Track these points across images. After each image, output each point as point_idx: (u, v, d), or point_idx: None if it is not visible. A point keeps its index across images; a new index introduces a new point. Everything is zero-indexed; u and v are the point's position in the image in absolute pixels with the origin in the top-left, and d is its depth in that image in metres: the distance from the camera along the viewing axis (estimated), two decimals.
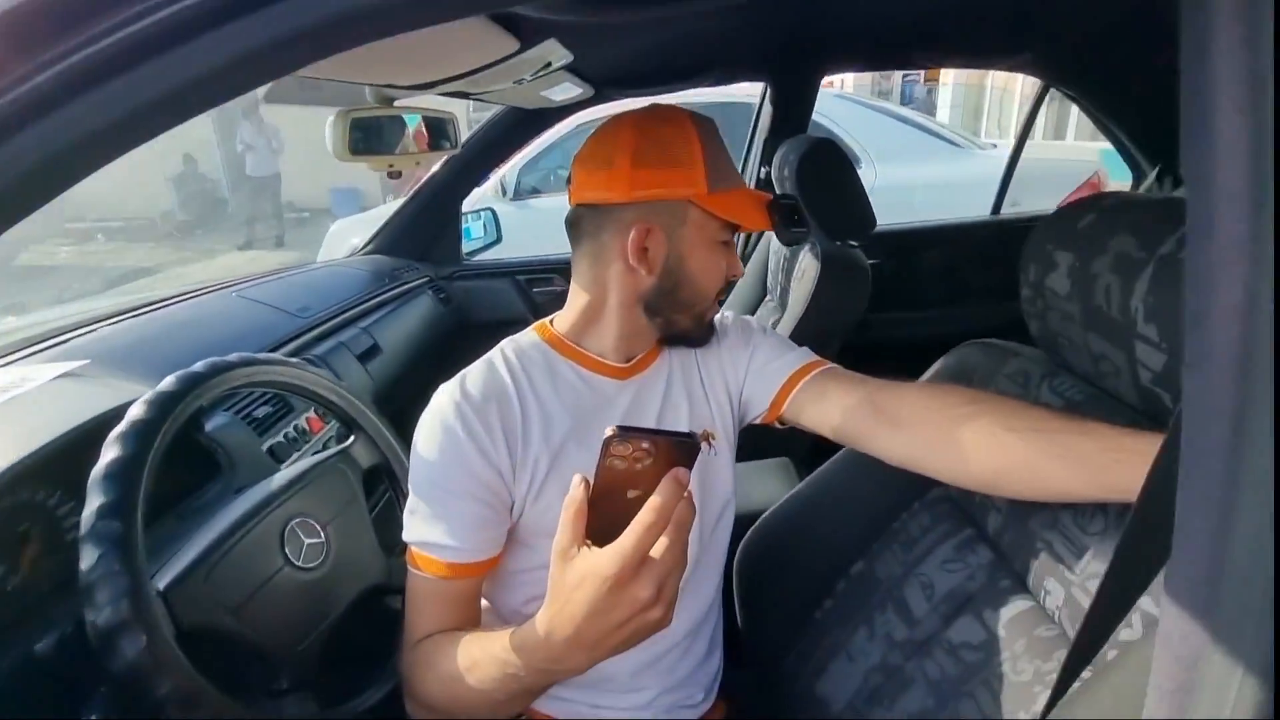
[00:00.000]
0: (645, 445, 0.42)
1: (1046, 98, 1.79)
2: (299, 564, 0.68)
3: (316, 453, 1.03)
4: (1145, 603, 0.51)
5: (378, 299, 1.51)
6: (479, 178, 1.77)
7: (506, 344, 0.74)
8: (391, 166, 0.89)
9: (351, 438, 0.84)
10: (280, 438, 1.00)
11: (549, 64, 0.83)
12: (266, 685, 0.62)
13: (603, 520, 0.44)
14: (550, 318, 0.77)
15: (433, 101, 0.96)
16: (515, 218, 2.25)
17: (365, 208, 6.70)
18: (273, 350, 1.12)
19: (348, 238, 3.74)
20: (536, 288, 1.84)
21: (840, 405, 0.71)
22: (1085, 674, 0.49)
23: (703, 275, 0.70)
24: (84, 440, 0.71)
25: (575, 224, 0.72)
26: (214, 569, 0.60)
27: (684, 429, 0.72)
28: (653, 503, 0.42)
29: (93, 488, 0.53)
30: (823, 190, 1.23)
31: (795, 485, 0.98)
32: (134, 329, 1.07)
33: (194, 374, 0.64)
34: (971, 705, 0.62)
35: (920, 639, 0.72)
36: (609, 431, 0.42)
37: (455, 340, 1.74)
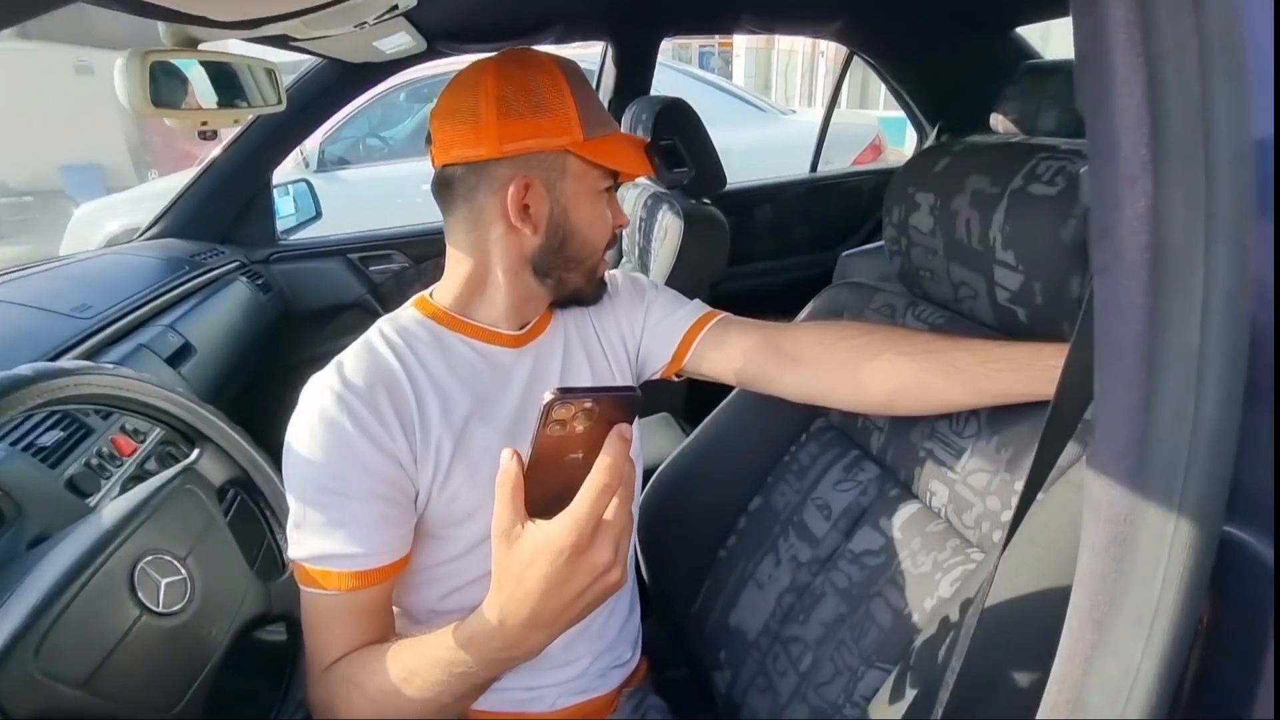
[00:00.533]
0: (588, 405, 0.41)
1: (848, 69, 1.99)
2: (159, 609, 0.56)
3: (132, 476, 0.86)
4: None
5: (179, 290, 1.26)
6: (290, 145, 1.54)
7: (384, 323, 0.67)
8: (205, 125, 0.74)
9: (197, 451, 0.71)
10: (81, 467, 0.81)
11: (395, 6, 0.73)
12: None
13: (544, 489, 0.42)
14: (429, 290, 0.71)
15: (247, 51, 0.81)
16: (325, 192, 2.02)
17: (112, 188, 5.56)
18: (51, 359, 0.89)
19: (102, 224, 3.11)
20: (373, 265, 1.67)
21: (741, 351, 0.73)
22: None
23: (590, 228, 0.67)
24: None
25: (445, 186, 0.65)
26: (45, 639, 0.47)
27: (627, 385, 0.72)
28: (603, 462, 0.41)
29: None
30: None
31: (681, 438, 1.01)
32: None
33: None
34: (881, 602, 0.69)
35: (824, 555, 0.79)
36: (549, 396, 0.40)
37: (282, 331, 1.53)
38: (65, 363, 0.58)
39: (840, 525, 0.79)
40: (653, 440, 1.26)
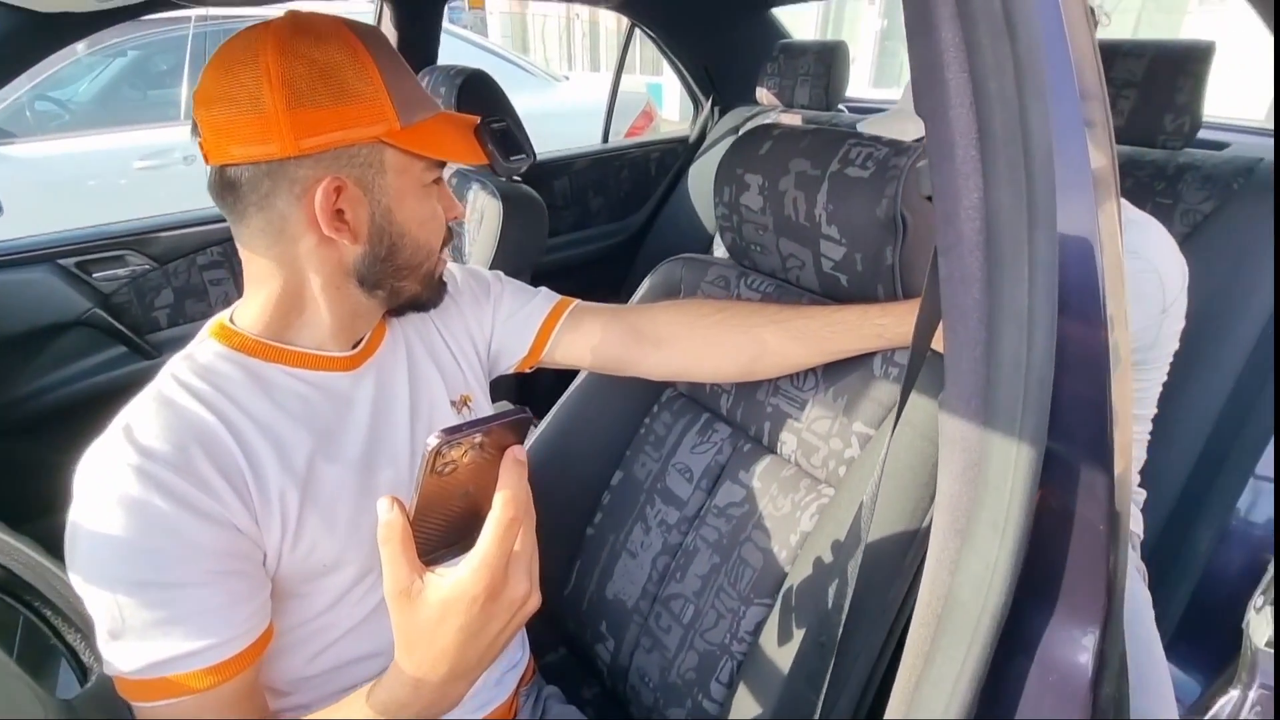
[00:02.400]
0: (476, 439, 0.38)
1: (633, 39, 2.04)
2: None
3: None
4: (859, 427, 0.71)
5: None
6: None
7: (176, 367, 0.55)
8: None
9: None
10: None
11: None
12: None
13: (434, 531, 0.40)
14: (226, 315, 0.59)
15: None
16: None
17: None
18: None
19: None
20: (99, 271, 1.33)
21: (600, 337, 0.74)
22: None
23: (420, 227, 0.58)
24: None
25: (228, 190, 0.52)
26: None
27: (426, 409, 0.66)
28: (504, 496, 0.39)
29: None
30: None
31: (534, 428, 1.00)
32: None
33: None
34: (751, 546, 0.77)
35: (692, 514, 0.85)
36: (434, 441, 0.37)
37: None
38: None
39: (703, 485, 0.85)
40: None
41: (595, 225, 2.08)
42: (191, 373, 0.54)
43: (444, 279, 0.66)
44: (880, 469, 0.53)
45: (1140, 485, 0.96)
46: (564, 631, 0.96)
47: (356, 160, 0.52)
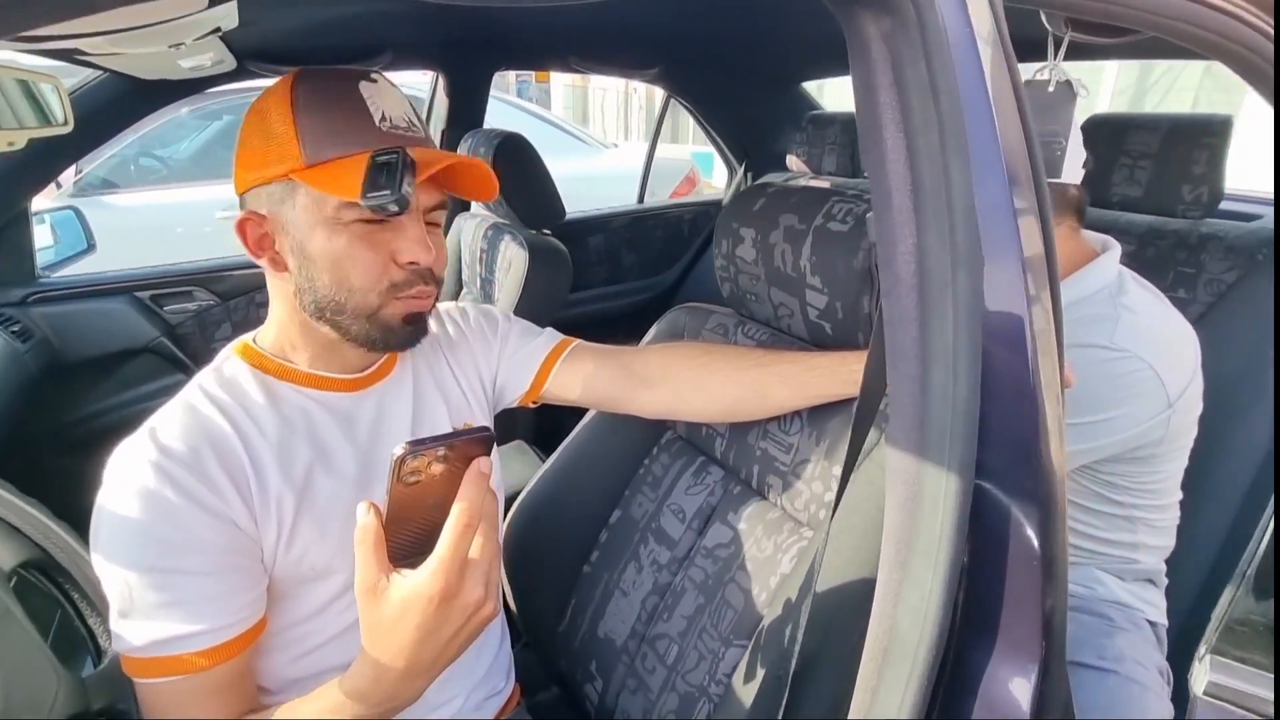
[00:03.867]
0: (441, 452, 0.42)
1: (669, 108, 2.19)
2: None
3: None
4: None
5: None
6: (56, 170, 1.31)
7: (203, 379, 0.62)
8: None
9: None
10: None
11: (219, 28, 0.70)
12: None
13: (408, 537, 0.43)
14: (251, 335, 0.66)
15: (22, 60, 0.71)
16: (97, 222, 1.75)
17: None
18: None
19: None
20: (169, 305, 1.48)
21: (596, 375, 0.79)
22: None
23: (337, 265, 0.57)
24: None
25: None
26: None
27: (447, 429, 0.71)
28: (462, 506, 0.42)
29: None
30: (520, 182, 1.29)
31: (537, 464, 1.04)
32: None
33: None
34: (734, 587, 0.78)
35: (682, 555, 0.86)
36: (399, 451, 0.40)
37: (50, 386, 1.30)
38: None
39: (694, 525, 0.87)
40: (510, 468, 1.27)
41: (627, 280, 2.17)
42: (215, 384, 0.60)
43: (415, 322, 0.62)
44: (833, 508, 0.55)
45: (1166, 574, 0.93)
46: (556, 670, 0.97)
47: (274, 196, 0.57)
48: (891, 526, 0.47)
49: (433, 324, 0.77)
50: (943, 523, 0.43)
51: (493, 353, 0.79)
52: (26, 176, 1.24)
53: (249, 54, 1.05)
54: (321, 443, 0.62)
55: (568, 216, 2.02)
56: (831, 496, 0.72)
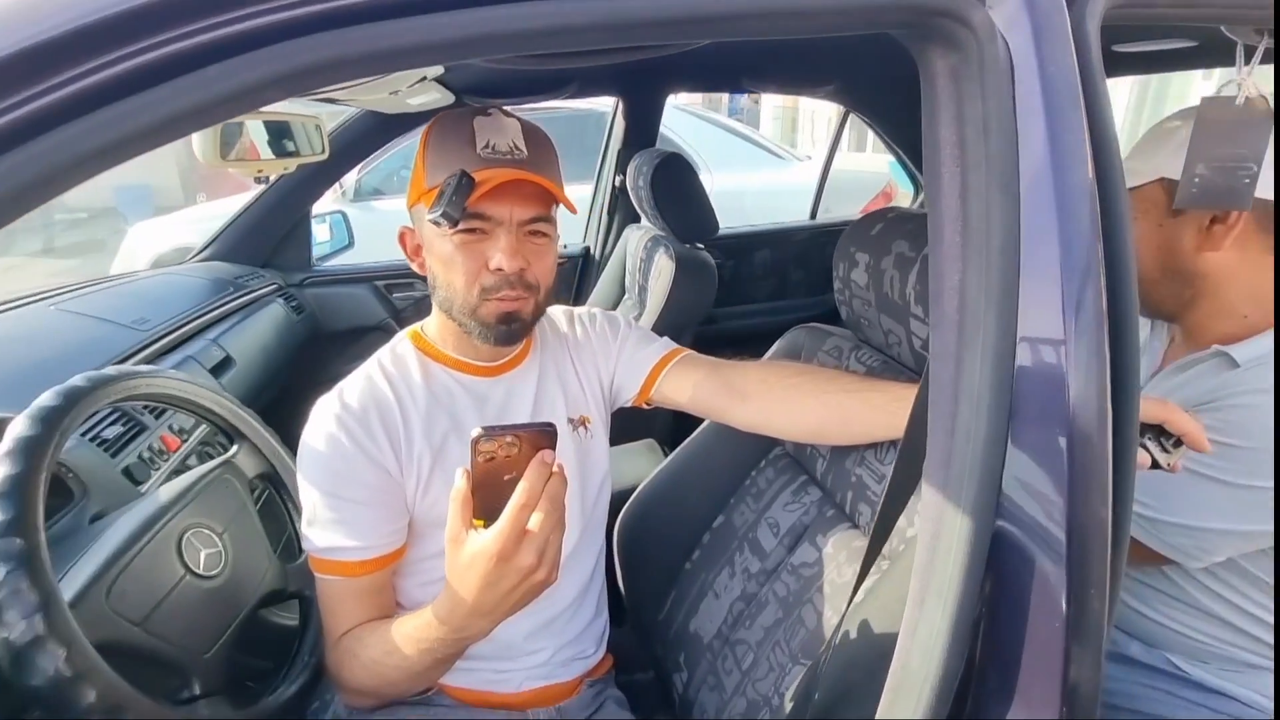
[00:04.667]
0: (509, 439, 0.50)
1: (848, 121, 2.14)
2: (199, 572, 0.68)
3: (177, 471, 0.99)
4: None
5: (223, 308, 1.42)
6: (329, 183, 1.71)
7: (382, 354, 0.78)
8: (260, 172, 0.88)
9: (235, 447, 0.83)
10: (135, 458, 0.94)
11: (425, 76, 0.88)
12: (176, 695, 0.62)
13: (488, 504, 0.52)
14: (421, 324, 0.81)
15: (295, 107, 0.96)
16: (360, 221, 2.19)
17: (160, 207, 5.90)
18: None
19: (155, 242, 3.34)
20: (397, 293, 1.82)
21: (698, 385, 0.84)
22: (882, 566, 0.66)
23: (444, 269, 0.69)
24: None
25: None
26: (113, 584, 0.59)
27: (546, 419, 0.81)
28: (522, 486, 0.50)
29: None
30: (673, 198, 1.39)
31: (661, 462, 1.11)
32: None
33: (75, 389, 0.62)
34: (810, 608, 0.78)
35: (770, 568, 0.88)
36: (475, 433, 0.50)
37: (311, 349, 1.68)
38: (139, 367, 0.71)
39: (785, 541, 0.88)
40: (635, 462, 1.36)
41: (792, 297, 2.16)
42: (389, 360, 0.77)
43: (504, 323, 0.70)
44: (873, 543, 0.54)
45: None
46: (652, 654, 1.04)
47: (417, 214, 0.72)
48: (918, 563, 0.47)
49: (563, 324, 0.88)
50: (954, 562, 0.42)
51: (611, 354, 0.88)
52: (307, 190, 1.63)
53: (461, 90, 1.28)
54: (457, 415, 0.76)
55: (734, 230, 2.07)
56: (914, 532, 0.70)
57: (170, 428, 1.04)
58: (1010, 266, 0.41)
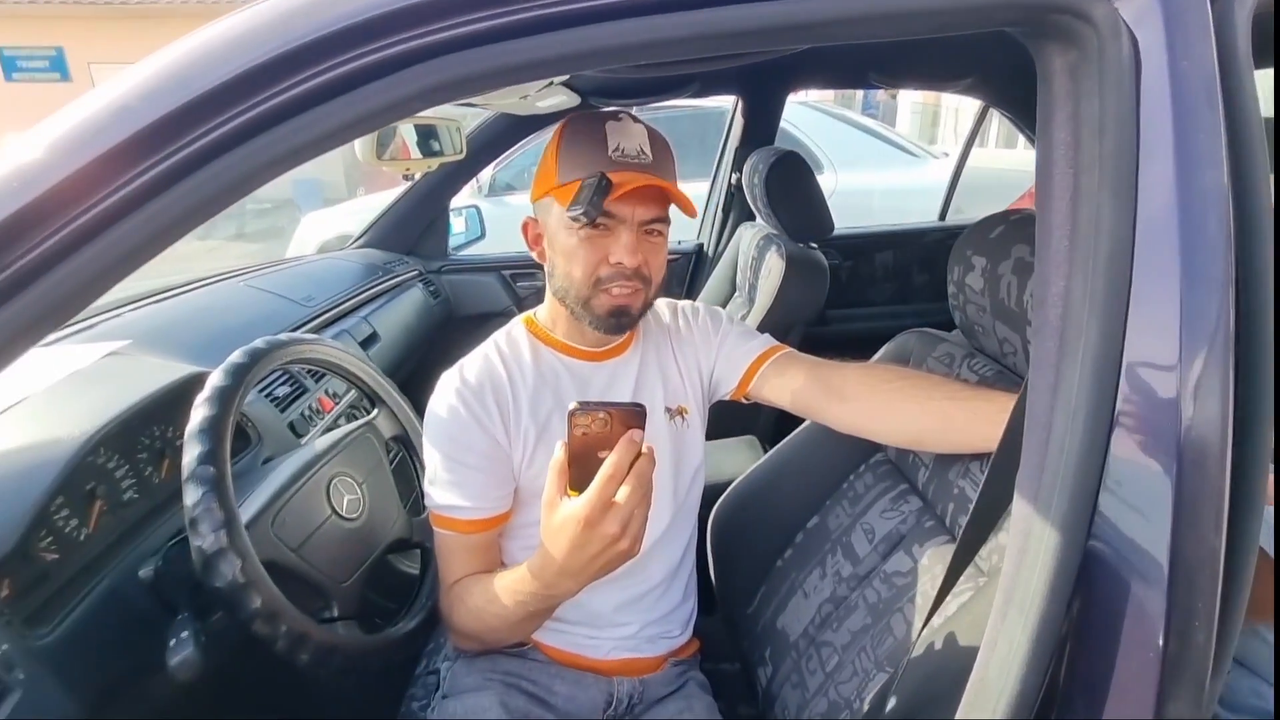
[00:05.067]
0: (601, 415, 0.55)
1: (990, 116, 2.00)
2: (342, 514, 0.79)
3: (329, 428, 1.14)
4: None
5: (373, 290, 1.60)
6: (467, 178, 1.87)
7: (499, 336, 0.85)
8: (409, 170, 0.99)
9: (376, 410, 0.95)
10: (298, 415, 1.10)
11: (553, 81, 0.95)
12: (319, 614, 0.73)
13: (582, 476, 0.56)
14: (534, 310, 0.88)
15: (440, 112, 1.07)
16: (492, 214, 2.36)
17: (327, 199, 6.66)
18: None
19: (322, 230, 3.78)
20: (520, 282, 1.95)
21: (797, 383, 0.84)
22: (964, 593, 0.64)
23: (565, 259, 0.74)
24: (140, 414, 0.81)
25: None
26: (277, 515, 0.71)
27: (660, 407, 0.85)
28: (610, 459, 0.54)
29: (190, 441, 0.63)
30: (788, 197, 1.38)
31: (760, 459, 1.12)
32: (160, 314, 1.15)
33: (256, 350, 0.75)
34: (900, 617, 0.77)
35: (863, 573, 0.87)
36: (571, 406, 0.55)
37: (444, 331, 1.84)
38: (305, 335, 0.84)
39: (880, 548, 0.87)
40: (734, 457, 1.37)
41: (914, 302, 2.06)
42: (504, 341, 0.84)
43: (614, 316, 0.76)
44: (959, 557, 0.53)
45: None
46: (739, 646, 1.06)
47: (542, 206, 0.77)
48: (1004, 575, 0.46)
49: (666, 315, 0.92)
50: (1039, 577, 0.41)
51: (712, 348, 0.91)
52: (447, 186, 1.79)
53: (587, 92, 1.35)
54: (561, 396, 0.82)
55: (854, 230, 2.01)
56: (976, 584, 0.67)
57: (326, 391, 1.20)
58: (1119, 275, 0.39)
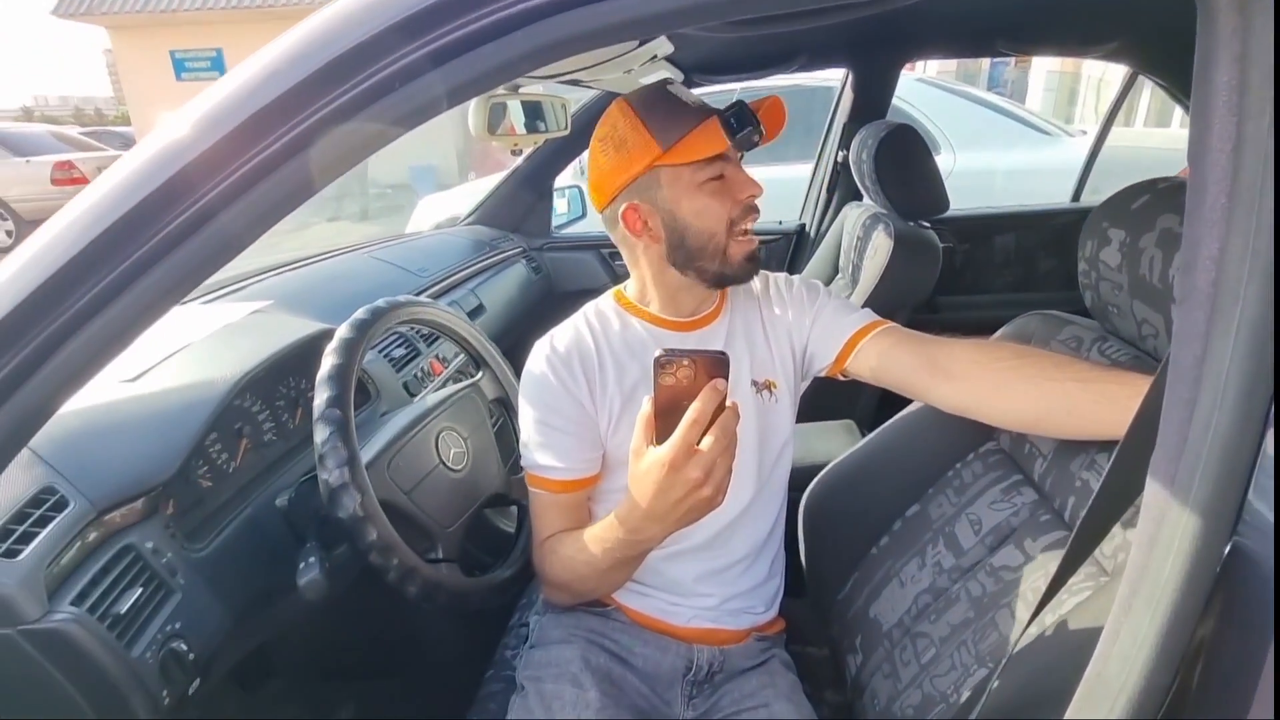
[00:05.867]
0: (685, 362, 0.55)
1: (1137, 87, 1.79)
2: (449, 465, 0.84)
3: (439, 389, 1.22)
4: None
5: (480, 265, 1.68)
6: (571, 158, 1.92)
7: (588, 308, 0.87)
8: (516, 145, 1.03)
9: (480, 373, 1.01)
10: (411, 376, 1.18)
11: (655, 55, 0.95)
12: (425, 554, 0.79)
13: (667, 429, 0.57)
14: (624, 284, 0.89)
15: (547, 90, 1.10)
16: None
17: (440, 183, 7.06)
18: None
19: (435, 211, 4.02)
20: (617, 261, 1.99)
21: (899, 360, 0.81)
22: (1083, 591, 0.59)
23: (698, 218, 0.76)
24: (279, 363, 0.90)
25: (606, 226, 0.84)
26: (392, 459, 0.77)
27: (747, 379, 0.84)
28: (694, 406, 0.55)
29: (321, 385, 0.70)
30: (898, 171, 1.30)
31: (858, 442, 1.08)
32: (297, 279, 1.27)
33: (378, 308, 0.81)
34: (1006, 612, 0.72)
35: (967, 566, 0.82)
36: (657, 353, 0.56)
37: (545, 305, 1.91)
38: (420, 298, 0.90)
39: (987, 541, 0.82)
40: (829, 440, 1.33)
41: (1040, 290, 1.89)
42: (594, 313, 0.86)
43: (751, 260, 0.80)
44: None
45: None
46: (828, 632, 1.03)
47: (642, 186, 0.76)
48: (1131, 564, 0.42)
49: (757, 286, 0.90)
50: (1174, 565, 0.37)
51: (806, 321, 0.88)
52: (550, 166, 1.84)
53: (691, 69, 1.34)
54: (648, 366, 0.82)
55: (972, 211, 1.88)
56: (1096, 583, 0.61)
57: (437, 356, 1.28)
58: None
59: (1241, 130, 0.38)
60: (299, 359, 0.92)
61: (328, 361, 0.72)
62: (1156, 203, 0.67)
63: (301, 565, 0.69)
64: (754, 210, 0.79)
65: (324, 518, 0.68)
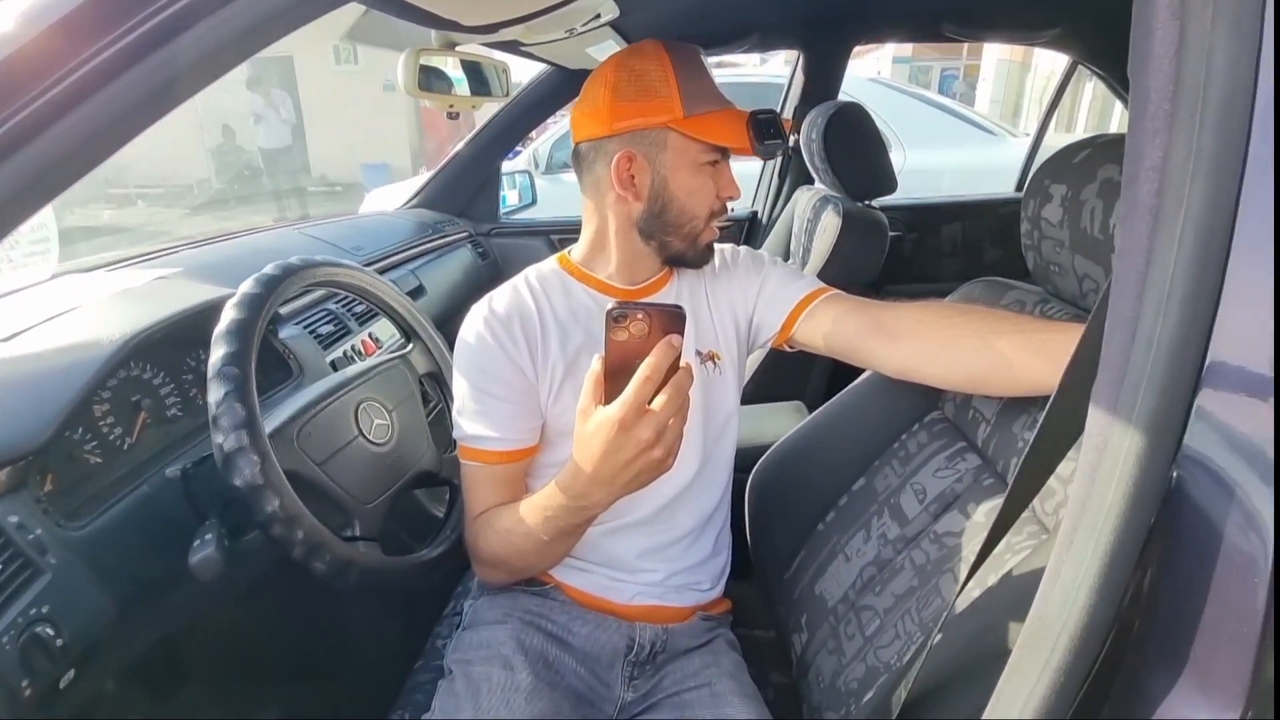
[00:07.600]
0: (640, 315, 0.52)
1: (1077, 94, 1.84)
2: (369, 438, 0.78)
3: None
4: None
5: (422, 247, 1.61)
6: (517, 138, 1.86)
7: (529, 271, 0.82)
8: (451, 107, 0.98)
9: (410, 345, 0.94)
10: (340, 354, 1.11)
11: (598, 15, 0.91)
12: (339, 531, 0.73)
13: (617, 388, 0.54)
14: (569, 248, 0.85)
15: (487, 53, 1.05)
16: (548, 191, 2.35)
17: (394, 181, 6.89)
18: None
19: (383, 205, 3.89)
20: (567, 247, 1.94)
21: (846, 323, 0.78)
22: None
23: (688, 196, 0.74)
24: (180, 329, 0.82)
25: (577, 160, 0.78)
26: (303, 428, 0.71)
27: (692, 349, 0.81)
28: (648, 361, 0.52)
29: (217, 341, 0.64)
30: (847, 150, 1.30)
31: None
32: (215, 251, 1.19)
33: (289, 264, 0.75)
34: (949, 578, 0.70)
35: (911, 535, 0.80)
36: (610, 305, 0.52)
37: (491, 290, 1.85)
38: (342, 260, 0.84)
39: (931, 509, 0.80)
40: (778, 421, 1.31)
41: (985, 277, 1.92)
42: (534, 276, 0.81)
43: (710, 248, 0.80)
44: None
45: None
46: (775, 613, 1.01)
47: (647, 139, 0.72)
48: (1073, 501, 0.40)
49: None
50: (1117, 490, 0.35)
51: (751, 292, 0.85)
52: (496, 148, 1.78)
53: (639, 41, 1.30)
54: (593, 332, 0.78)
55: (919, 200, 1.90)
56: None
57: (370, 335, 1.21)
58: (1232, 126, 0.32)
59: (1184, 31, 0.36)
60: (206, 328, 0.84)
61: (227, 315, 0.65)
62: (1096, 155, 0.66)
63: (196, 543, 0.62)
64: (725, 211, 0.79)
65: (229, 498, 0.62)
